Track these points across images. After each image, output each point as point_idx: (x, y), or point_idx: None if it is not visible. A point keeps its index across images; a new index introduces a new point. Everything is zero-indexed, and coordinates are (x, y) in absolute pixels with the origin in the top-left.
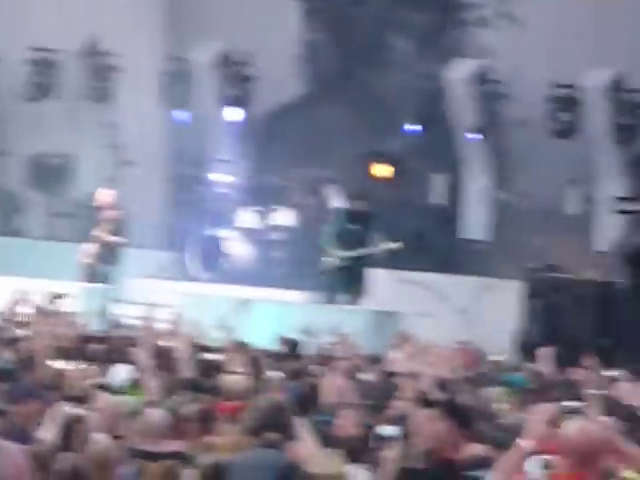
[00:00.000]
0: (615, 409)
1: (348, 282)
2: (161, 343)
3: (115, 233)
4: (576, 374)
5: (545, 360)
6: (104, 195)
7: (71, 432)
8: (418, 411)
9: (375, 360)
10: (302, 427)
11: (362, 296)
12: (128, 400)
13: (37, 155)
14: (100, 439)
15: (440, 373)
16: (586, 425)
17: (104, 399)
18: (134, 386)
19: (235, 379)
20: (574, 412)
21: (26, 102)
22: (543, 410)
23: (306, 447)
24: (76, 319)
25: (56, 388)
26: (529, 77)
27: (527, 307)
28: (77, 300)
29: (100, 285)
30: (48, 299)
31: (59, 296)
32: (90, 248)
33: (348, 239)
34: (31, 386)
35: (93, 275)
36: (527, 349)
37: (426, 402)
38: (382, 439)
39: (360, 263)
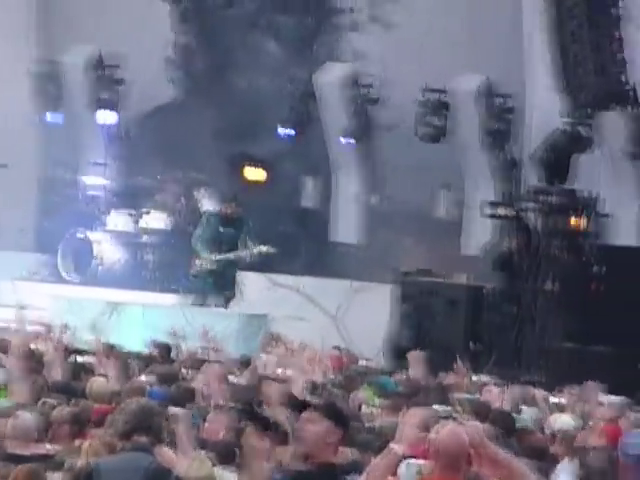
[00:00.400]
0: (485, 413)
1: (219, 285)
2: (31, 345)
3: None
4: (447, 378)
5: (416, 364)
6: None
7: None
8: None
9: (245, 363)
10: (179, 426)
11: (233, 299)
12: None
13: None
14: None
15: (310, 376)
16: (456, 428)
17: None
18: (3, 389)
19: (104, 382)
20: (445, 416)
21: None
22: (415, 414)
23: (179, 449)
24: None
25: None
26: (401, 82)
27: (398, 311)
28: None
29: None
30: None
31: None
32: None
33: (219, 242)
34: None
35: None
36: (398, 353)
37: (297, 405)
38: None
39: (231, 266)
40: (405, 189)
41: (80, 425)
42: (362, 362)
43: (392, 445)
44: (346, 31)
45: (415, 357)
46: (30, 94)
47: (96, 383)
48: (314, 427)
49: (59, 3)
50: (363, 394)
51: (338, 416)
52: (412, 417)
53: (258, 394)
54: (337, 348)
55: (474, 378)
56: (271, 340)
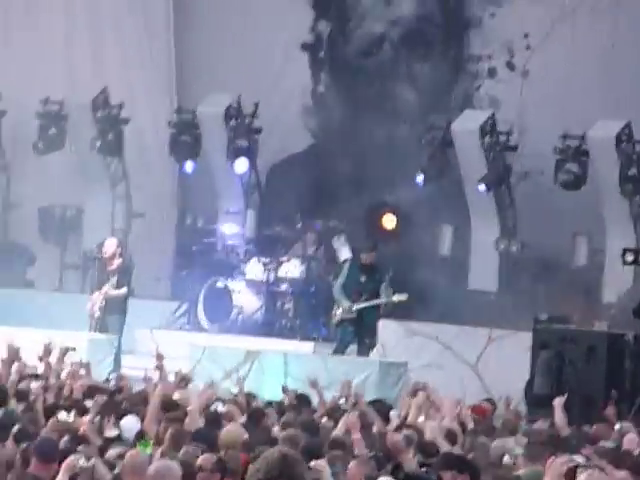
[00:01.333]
0: (627, 462)
1: (359, 333)
2: (170, 394)
3: (121, 283)
4: (589, 426)
5: (558, 412)
6: (109, 245)
7: None
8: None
9: (384, 411)
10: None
11: (372, 347)
12: (140, 451)
13: (48, 207)
14: None
15: (450, 425)
16: (600, 478)
17: (116, 451)
18: (142, 437)
19: (237, 431)
20: (588, 465)
21: (37, 154)
22: (559, 463)
23: None
24: (84, 370)
25: (69, 440)
26: (538, 128)
27: (537, 358)
28: (85, 351)
29: (107, 336)
30: (59, 351)
31: (70, 349)
32: (97, 299)
33: (359, 291)
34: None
35: (101, 326)
36: (537, 401)
37: (430, 453)
38: None
39: (371, 314)
40: (544, 236)
41: (221, 473)
42: (501, 410)
43: None
44: (483, 79)
45: (557, 405)
46: (169, 143)
47: (229, 431)
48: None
49: (198, 53)
50: (505, 443)
51: (466, 466)
52: (556, 466)
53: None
54: (488, 400)
55: (616, 426)
56: (411, 388)
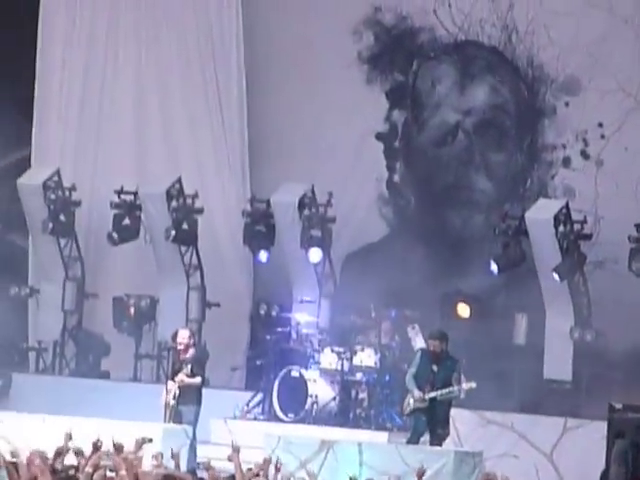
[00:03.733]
0: None
1: (433, 423)
2: None
3: (195, 373)
4: None
5: None
6: (183, 335)
7: None
8: None
9: None
10: None
11: (444, 438)
12: None
13: (122, 298)
14: None
15: None
16: None
17: None
18: None
19: None
20: None
21: (111, 245)
22: None
23: None
24: (159, 461)
25: None
26: (611, 217)
27: (612, 448)
28: (160, 441)
29: (182, 426)
30: (135, 442)
31: (147, 440)
32: (171, 388)
33: (432, 380)
34: None
35: (175, 416)
36: None
37: None
38: None
39: (444, 404)
40: (618, 325)
41: None
42: None
43: None
44: (558, 167)
45: None
46: (243, 233)
47: None
48: None
49: (272, 142)
50: None
51: None
52: None
53: None
54: None
55: None
56: (487, 478)
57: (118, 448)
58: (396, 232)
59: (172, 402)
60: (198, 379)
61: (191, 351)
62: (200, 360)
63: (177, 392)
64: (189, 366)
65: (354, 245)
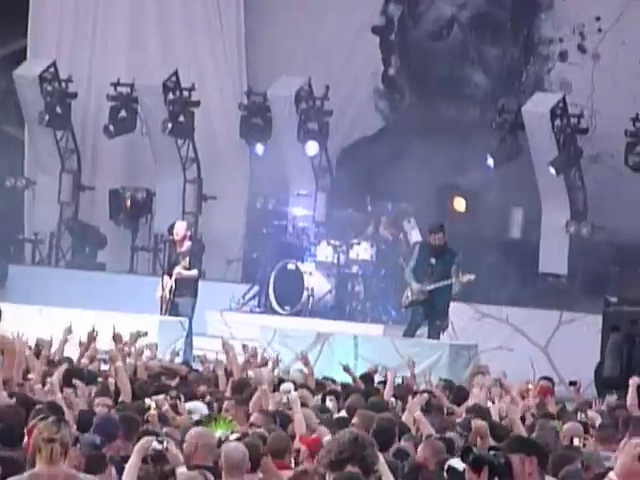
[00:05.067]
0: None
1: (430, 316)
2: (242, 376)
3: (192, 266)
4: None
5: (632, 392)
6: (179, 227)
7: (157, 466)
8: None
9: (454, 390)
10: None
11: (443, 329)
12: (214, 432)
13: (118, 190)
14: (185, 472)
15: (520, 407)
16: None
17: (193, 432)
18: (210, 420)
19: (308, 414)
20: None
21: (108, 137)
22: (633, 444)
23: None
24: (155, 353)
25: (140, 423)
26: (610, 111)
27: (607, 341)
28: (156, 333)
29: (178, 318)
30: (130, 335)
31: (142, 333)
32: (167, 281)
33: (430, 273)
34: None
35: (171, 308)
36: (607, 383)
37: (502, 437)
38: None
39: (442, 297)
40: (614, 219)
41: (281, 456)
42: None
43: (611, 476)
44: (554, 62)
45: (633, 384)
46: (239, 126)
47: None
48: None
49: (268, 36)
50: (574, 426)
51: (534, 449)
52: (630, 448)
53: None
54: (547, 379)
55: None
56: (478, 371)
57: (117, 339)
58: (391, 125)
59: (168, 295)
60: (194, 272)
61: (187, 244)
62: (196, 253)
63: (173, 285)
64: (186, 259)
65: (350, 139)
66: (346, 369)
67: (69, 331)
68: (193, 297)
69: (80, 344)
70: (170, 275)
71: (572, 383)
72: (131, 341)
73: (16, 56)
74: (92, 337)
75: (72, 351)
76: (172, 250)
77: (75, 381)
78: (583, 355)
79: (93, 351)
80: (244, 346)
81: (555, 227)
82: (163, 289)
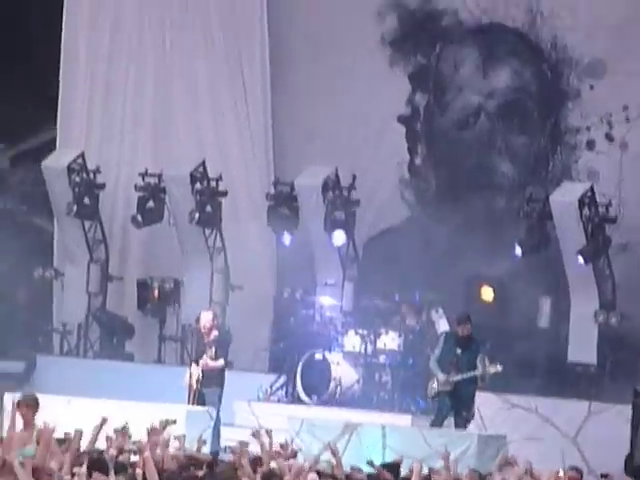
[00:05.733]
0: None
1: (457, 406)
2: (270, 466)
3: (219, 355)
4: None
5: None
6: (206, 318)
7: None
8: None
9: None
10: None
11: (469, 420)
12: None
13: (146, 280)
14: None
15: None
16: None
17: None
18: None
19: None
20: None
21: (136, 228)
22: None
23: None
24: (183, 443)
25: None
26: (636, 200)
27: (637, 432)
28: (183, 423)
29: (206, 408)
30: (159, 424)
31: (170, 422)
32: (194, 371)
33: (456, 363)
34: None
35: (199, 398)
36: (638, 473)
37: None
38: None
39: (468, 387)
40: None
41: None
42: None
43: None
44: (582, 151)
45: None
46: (267, 216)
47: None
48: None
49: (295, 126)
50: None
51: None
52: None
53: None
54: (575, 469)
55: None
56: (507, 462)
57: (152, 432)
58: (418, 215)
59: (195, 385)
60: (221, 362)
61: (214, 333)
62: (223, 343)
63: (201, 375)
64: (213, 349)
65: (377, 228)
66: (371, 464)
67: (103, 423)
68: (220, 387)
69: (107, 437)
70: (197, 365)
71: (604, 476)
72: (160, 429)
73: (45, 147)
74: (123, 431)
75: (101, 441)
76: (199, 340)
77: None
78: (613, 445)
79: (122, 442)
80: (253, 434)
81: (584, 316)
82: (190, 379)
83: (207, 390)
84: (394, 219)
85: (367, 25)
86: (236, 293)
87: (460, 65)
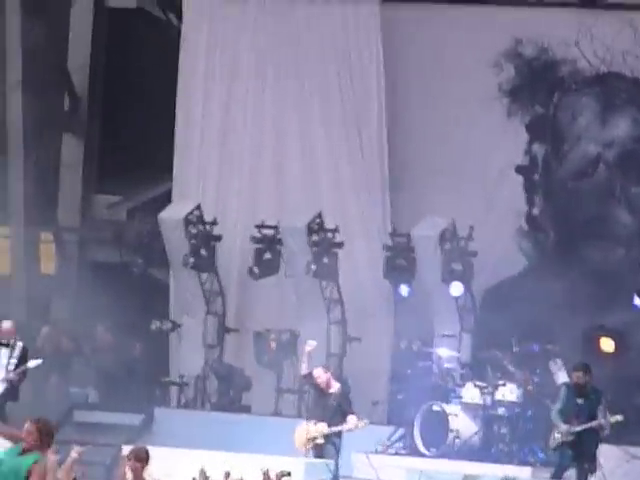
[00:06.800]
0: None
1: (577, 458)
2: None
3: (340, 409)
4: None
5: None
6: (319, 372)
7: None
8: None
9: None
10: None
11: (592, 472)
12: None
13: (263, 332)
14: None
15: None
16: None
17: None
18: None
19: None
20: None
21: (253, 279)
22: None
23: None
24: None
25: None
26: None
27: None
28: (302, 475)
29: (324, 461)
30: (275, 476)
31: (286, 473)
32: (317, 430)
33: (577, 414)
34: None
35: (316, 450)
36: None
37: None
38: None
39: (590, 438)
40: None
41: None
42: None
43: None
44: None
45: None
46: (384, 267)
47: None
48: None
49: (411, 177)
50: None
51: None
52: None
53: None
54: None
55: None
56: None
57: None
58: (536, 266)
59: (321, 439)
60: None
61: (336, 385)
62: (346, 395)
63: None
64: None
65: (494, 279)
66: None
67: (204, 474)
68: (339, 439)
69: None
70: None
71: None
72: None
73: (161, 199)
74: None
75: None
76: (318, 393)
77: None
78: None
79: None
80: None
81: None
82: (309, 432)
83: (326, 442)
84: (511, 270)
85: (484, 75)
86: (353, 345)
87: (578, 114)
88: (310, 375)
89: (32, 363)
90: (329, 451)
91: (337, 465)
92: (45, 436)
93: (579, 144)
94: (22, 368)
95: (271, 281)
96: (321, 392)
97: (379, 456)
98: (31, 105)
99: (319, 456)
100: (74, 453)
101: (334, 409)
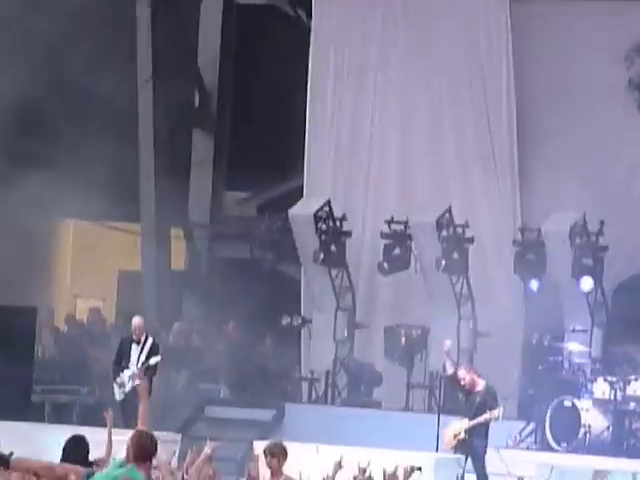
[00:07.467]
0: None
1: None
2: None
3: (485, 406)
4: None
5: None
6: (463, 373)
7: None
8: None
9: None
10: None
11: None
12: None
13: (393, 327)
14: None
15: None
16: None
17: None
18: None
19: None
20: None
21: (382, 275)
22: None
23: None
24: None
25: None
26: None
27: None
28: (432, 470)
29: (455, 456)
30: (403, 471)
31: (416, 468)
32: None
33: None
34: None
35: (462, 447)
36: None
37: None
38: None
39: None
40: None
41: None
42: None
43: None
44: None
45: None
46: (514, 262)
47: None
48: None
49: (542, 172)
50: None
51: None
52: None
53: None
54: None
55: None
56: None
57: (389, 477)
58: None
59: (463, 434)
60: (491, 413)
61: (482, 383)
62: (484, 393)
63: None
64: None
65: (626, 273)
66: None
67: (339, 466)
68: (485, 438)
69: None
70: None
71: None
72: (405, 476)
73: (291, 195)
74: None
75: None
76: (464, 393)
77: None
78: None
79: None
80: None
81: None
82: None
83: (475, 440)
84: None
85: (614, 70)
86: (483, 340)
87: None
88: (455, 375)
89: (152, 360)
90: (477, 450)
91: (484, 463)
92: (140, 450)
93: None
94: (145, 365)
95: (401, 276)
96: (468, 392)
97: (510, 450)
98: (162, 102)
99: (466, 453)
100: (208, 449)
101: (480, 406)
